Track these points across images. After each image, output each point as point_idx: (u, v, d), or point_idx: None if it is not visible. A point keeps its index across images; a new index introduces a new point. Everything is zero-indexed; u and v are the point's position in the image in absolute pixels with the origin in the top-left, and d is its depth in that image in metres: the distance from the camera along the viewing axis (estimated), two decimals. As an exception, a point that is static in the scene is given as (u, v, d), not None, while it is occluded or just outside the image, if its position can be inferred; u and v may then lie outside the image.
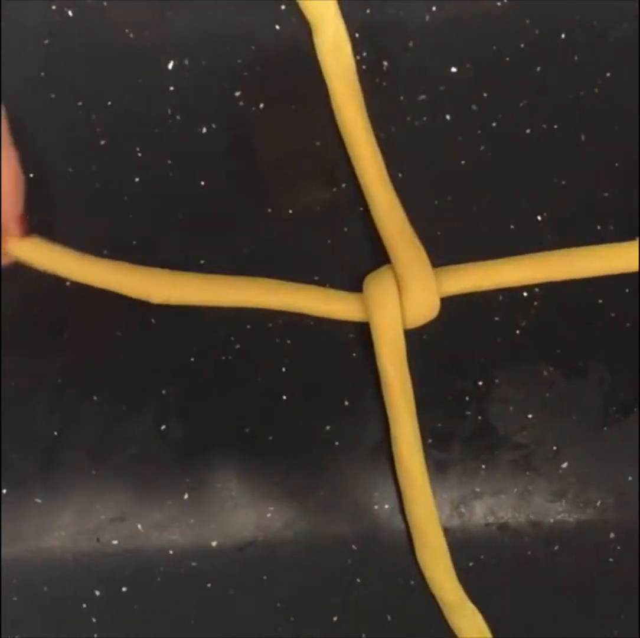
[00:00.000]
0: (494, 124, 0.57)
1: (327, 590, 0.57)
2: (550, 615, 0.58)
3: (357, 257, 0.57)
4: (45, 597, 0.56)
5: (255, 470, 0.57)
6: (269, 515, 0.57)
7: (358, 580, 0.57)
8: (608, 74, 0.57)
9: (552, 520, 0.58)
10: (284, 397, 0.57)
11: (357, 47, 0.56)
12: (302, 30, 0.56)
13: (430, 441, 0.58)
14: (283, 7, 0.56)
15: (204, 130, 0.56)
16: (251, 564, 0.57)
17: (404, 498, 0.56)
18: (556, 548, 0.58)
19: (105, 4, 0.54)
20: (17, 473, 0.56)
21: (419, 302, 0.55)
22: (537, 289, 0.57)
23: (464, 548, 0.58)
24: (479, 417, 0.58)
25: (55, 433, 0.56)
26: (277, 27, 0.56)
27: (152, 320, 0.56)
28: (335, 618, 0.57)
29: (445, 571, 0.56)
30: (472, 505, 0.58)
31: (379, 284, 0.55)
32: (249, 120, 0.56)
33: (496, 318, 0.58)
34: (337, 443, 0.57)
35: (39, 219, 0.55)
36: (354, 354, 0.57)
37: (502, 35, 0.57)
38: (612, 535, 0.59)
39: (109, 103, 0.55)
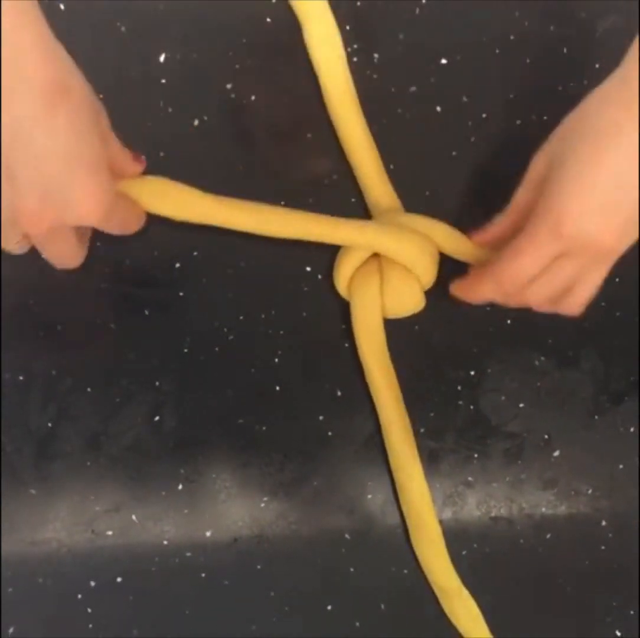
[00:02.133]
0: (484, 115, 0.58)
1: (320, 579, 0.57)
2: (543, 602, 0.58)
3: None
4: (41, 588, 0.56)
5: (249, 461, 0.57)
6: (262, 505, 0.57)
7: (351, 570, 0.57)
8: (597, 66, 0.58)
9: (544, 509, 0.59)
10: (277, 388, 0.57)
11: (347, 39, 0.56)
12: (294, 23, 0.56)
13: (422, 431, 0.58)
14: (274, 0, 0.56)
15: (196, 122, 0.56)
16: (245, 554, 0.57)
17: (397, 486, 0.57)
18: (548, 536, 0.58)
19: (97, -3, 0.55)
20: (11, 465, 0.56)
21: (400, 293, 0.55)
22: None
23: (457, 537, 0.58)
24: (471, 407, 0.58)
25: (50, 425, 0.56)
26: (268, 19, 0.56)
27: (146, 312, 0.56)
28: (329, 607, 0.57)
29: (440, 558, 0.56)
30: (465, 494, 0.59)
31: (362, 274, 0.56)
32: (242, 112, 0.56)
33: (487, 308, 0.58)
34: (330, 434, 0.58)
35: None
36: (347, 345, 0.58)
37: (491, 27, 0.58)
38: (603, 523, 0.59)
39: (102, 96, 0.55)
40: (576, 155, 0.47)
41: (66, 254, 0.49)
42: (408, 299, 0.56)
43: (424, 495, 0.56)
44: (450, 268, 0.57)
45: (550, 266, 0.49)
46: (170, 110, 0.56)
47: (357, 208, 0.57)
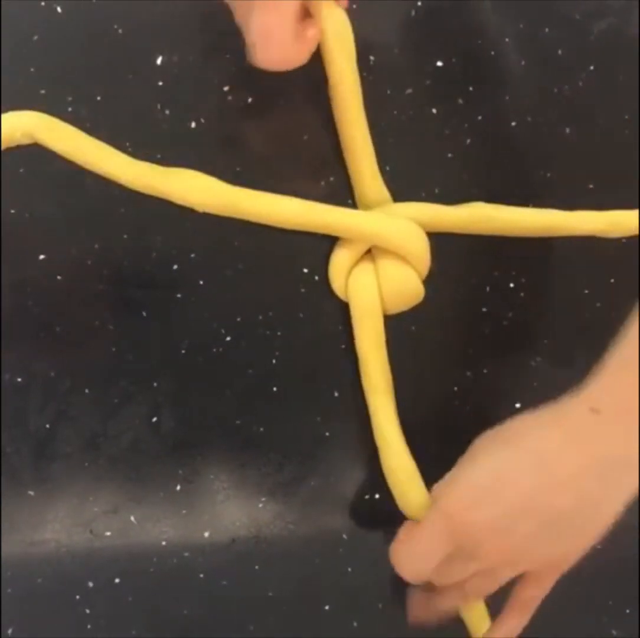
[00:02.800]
0: (479, 117, 0.58)
1: (318, 579, 0.58)
2: (543, 601, 0.58)
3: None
4: (39, 589, 0.56)
5: (247, 462, 0.58)
6: (260, 505, 0.58)
7: (349, 569, 0.58)
8: (591, 67, 0.58)
9: (541, 508, 0.59)
10: (275, 389, 0.58)
11: (344, 41, 0.56)
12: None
13: (419, 433, 0.58)
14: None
15: (193, 124, 0.56)
16: (243, 554, 0.57)
17: (384, 467, 0.56)
18: (545, 535, 0.59)
19: (93, 0, 0.55)
20: (10, 466, 0.56)
21: (398, 285, 0.56)
22: (523, 280, 0.58)
23: (454, 537, 0.58)
24: (468, 407, 0.59)
25: (48, 426, 0.56)
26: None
27: (143, 313, 0.57)
28: (327, 607, 0.58)
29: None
30: (462, 494, 0.59)
31: (357, 273, 0.56)
32: (238, 114, 0.57)
33: (484, 309, 0.59)
34: (327, 434, 0.58)
35: (30, 214, 0.56)
36: (343, 346, 0.58)
37: (487, 30, 0.58)
38: (600, 522, 0.59)
39: (99, 98, 0.55)
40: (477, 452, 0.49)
41: (275, 35, 0.49)
42: (407, 291, 0.56)
43: (408, 469, 0.56)
44: (445, 267, 0.57)
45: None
46: (167, 112, 0.56)
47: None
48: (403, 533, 0.51)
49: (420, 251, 0.55)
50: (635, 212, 0.57)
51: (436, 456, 0.58)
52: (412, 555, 0.50)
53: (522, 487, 0.47)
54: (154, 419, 0.57)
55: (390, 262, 0.55)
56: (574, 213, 0.56)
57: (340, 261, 0.56)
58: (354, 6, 0.57)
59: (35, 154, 0.55)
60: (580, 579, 0.59)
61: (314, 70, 0.56)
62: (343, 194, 0.57)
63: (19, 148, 0.55)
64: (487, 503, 0.47)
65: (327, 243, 0.57)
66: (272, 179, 0.57)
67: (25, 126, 0.54)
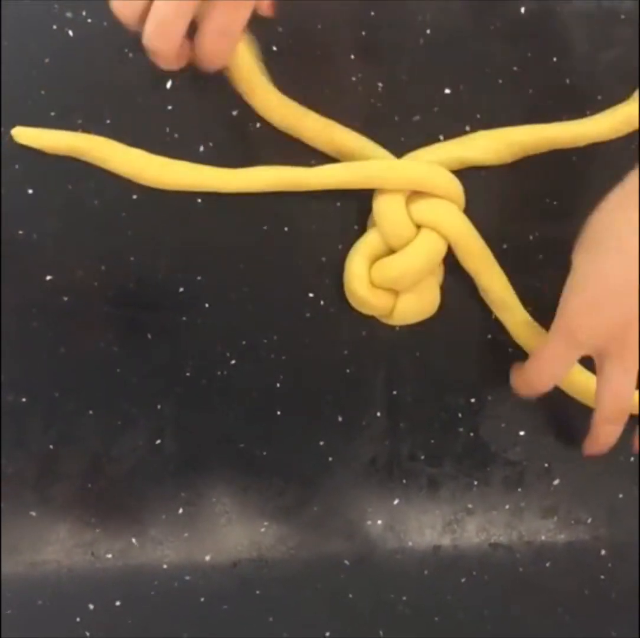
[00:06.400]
0: (487, 145, 0.58)
1: (320, 604, 0.57)
2: (542, 630, 0.58)
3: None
4: (40, 611, 0.56)
5: (250, 485, 0.58)
6: (262, 530, 0.58)
7: (351, 595, 0.58)
8: (599, 97, 0.58)
9: (543, 537, 0.59)
10: (279, 412, 0.58)
11: (352, 68, 0.57)
12: (297, 45, 0.57)
13: (422, 457, 0.58)
14: (280, 30, 0.57)
15: (202, 148, 0.56)
16: (244, 579, 0.57)
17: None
18: (547, 564, 0.59)
19: (105, 24, 0.55)
20: (12, 486, 0.56)
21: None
22: (530, 308, 0.58)
23: (457, 564, 0.58)
24: (471, 434, 0.59)
25: (51, 447, 0.56)
26: (274, 48, 0.57)
27: (148, 335, 0.57)
28: (327, 634, 0.57)
29: (494, 271, 0.57)
30: (465, 521, 0.59)
31: None
32: (247, 138, 0.57)
33: (488, 336, 0.59)
34: (330, 459, 0.58)
35: (37, 235, 0.56)
36: (348, 370, 0.58)
37: (494, 58, 0.58)
38: (603, 552, 0.59)
39: (108, 122, 0.56)
40: (581, 265, 0.50)
41: (168, 39, 0.47)
42: (426, 301, 0.57)
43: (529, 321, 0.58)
44: (451, 295, 0.57)
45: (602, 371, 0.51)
46: (176, 136, 0.56)
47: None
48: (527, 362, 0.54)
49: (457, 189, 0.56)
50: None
51: (439, 483, 0.58)
52: (541, 369, 0.53)
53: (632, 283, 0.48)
54: (157, 441, 0.57)
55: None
56: (578, 122, 0.58)
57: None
58: (363, 33, 0.57)
59: (43, 175, 0.56)
60: (579, 579, 0.59)
61: (322, 96, 0.57)
62: (351, 220, 0.57)
63: (25, 169, 0.55)
64: (606, 306, 0.49)
65: (332, 268, 0.57)
66: (278, 202, 0.57)
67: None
